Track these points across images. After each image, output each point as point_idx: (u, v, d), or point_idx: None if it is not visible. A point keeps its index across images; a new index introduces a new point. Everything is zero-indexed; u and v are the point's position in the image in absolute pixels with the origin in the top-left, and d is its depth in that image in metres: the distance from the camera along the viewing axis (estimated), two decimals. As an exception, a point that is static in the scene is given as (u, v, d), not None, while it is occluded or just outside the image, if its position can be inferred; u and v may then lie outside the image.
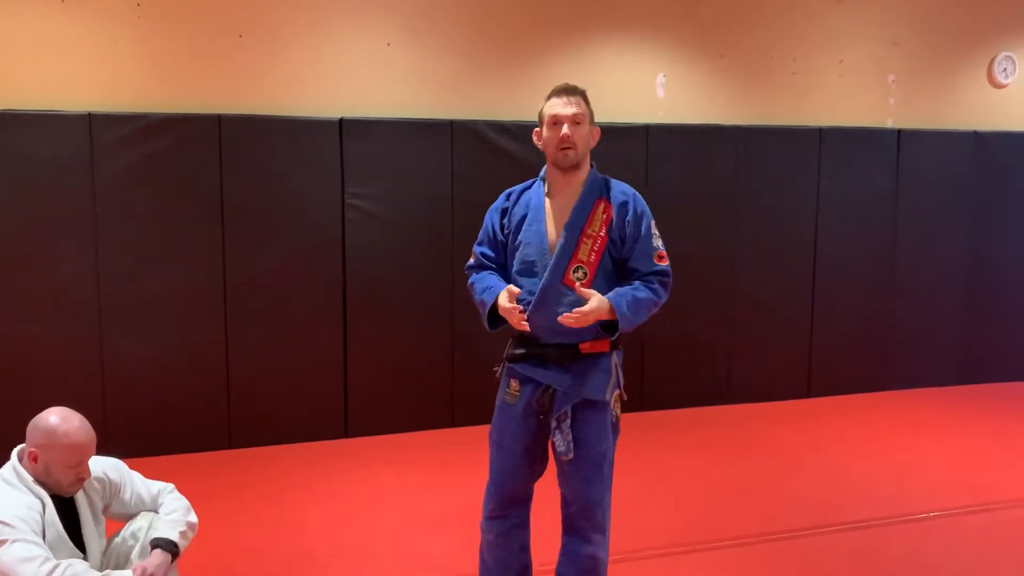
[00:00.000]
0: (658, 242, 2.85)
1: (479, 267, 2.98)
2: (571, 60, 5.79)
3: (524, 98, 5.64)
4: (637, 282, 2.80)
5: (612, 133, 5.64)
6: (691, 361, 6.11)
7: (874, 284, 6.51)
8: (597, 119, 2.93)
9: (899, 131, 6.46)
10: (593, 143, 2.87)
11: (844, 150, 6.32)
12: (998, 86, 6.87)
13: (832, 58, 6.45)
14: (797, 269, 6.32)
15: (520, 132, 5.47)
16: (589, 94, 2.87)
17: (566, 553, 2.93)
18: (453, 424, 5.53)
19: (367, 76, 5.44)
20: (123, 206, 4.90)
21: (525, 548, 3.01)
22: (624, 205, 2.83)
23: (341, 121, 5.26)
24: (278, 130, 5.15)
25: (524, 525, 2.99)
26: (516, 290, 2.75)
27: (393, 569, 3.60)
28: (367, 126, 5.31)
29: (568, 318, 2.66)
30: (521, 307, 2.74)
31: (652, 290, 2.80)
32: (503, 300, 2.75)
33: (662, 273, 2.83)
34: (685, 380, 6.11)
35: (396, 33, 5.49)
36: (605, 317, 2.71)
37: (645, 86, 6.01)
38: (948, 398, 6.41)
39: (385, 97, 5.47)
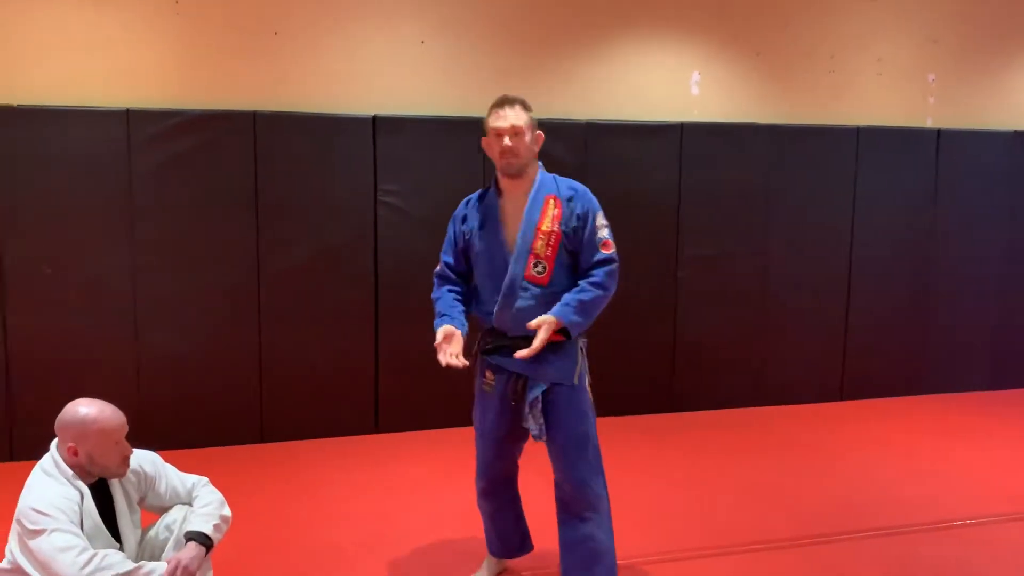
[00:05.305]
0: (604, 232, 2.99)
1: (443, 277, 3.16)
2: (605, 58, 5.76)
3: (558, 96, 5.62)
4: (582, 282, 2.95)
5: (646, 131, 5.60)
6: (723, 362, 6.06)
7: (911, 287, 6.41)
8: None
9: (939, 131, 6.35)
10: (536, 147, 3.01)
11: (882, 150, 6.22)
12: (1041, 85, 6.74)
13: (870, 56, 6.35)
14: (832, 271, 6.24)
15: (553, 130, 5.39)
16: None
17: (565, 544, 3.06)
18: (483, 422, 5.53)
19: (401, 73, 5.46)
20: (159, 202, 4.97)
21: (520, 517, 3.36)
22: (571, 200, 2.98)
23: (374, 118, 5.28)
24: (312, 127, 5.18)
25: (515, 498, 3.34)
26: (452, 331, 2.94)
27: (422, 564, 3.61)
28: (400, 123, 5.32)
29: (522, 354, 2.85)
30: (452, 352, 2.89)
31: (596, 284, 2.93)
32: (439, 336, 2.95)
33: (606, 261, 2.96)
34: (717, 382, 6.06)
35: (430, 31, 5.50)
36: (557, 327, 2.88)
37: (680, 84, 5.95)
38: (984, 403, 6.29)
39: (418, 95, 5.48)
